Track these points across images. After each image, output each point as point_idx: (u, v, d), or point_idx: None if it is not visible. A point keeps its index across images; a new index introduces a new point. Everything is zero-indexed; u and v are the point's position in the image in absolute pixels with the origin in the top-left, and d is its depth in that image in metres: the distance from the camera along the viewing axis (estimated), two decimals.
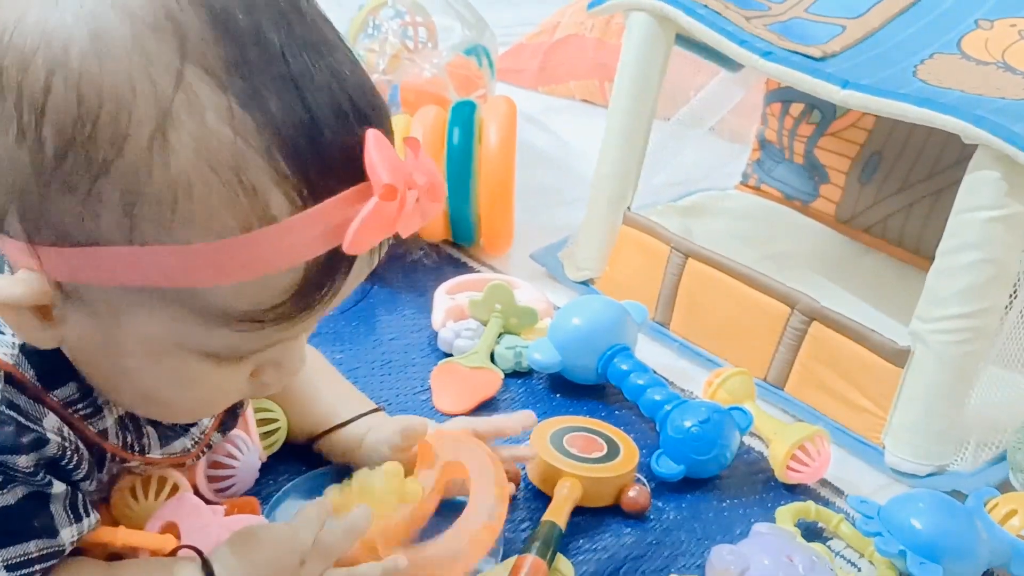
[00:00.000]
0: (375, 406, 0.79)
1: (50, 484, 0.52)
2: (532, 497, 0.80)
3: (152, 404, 0.56)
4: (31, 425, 0.50)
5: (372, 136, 0.45)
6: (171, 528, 0.63)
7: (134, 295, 0.46)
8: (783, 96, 1.32)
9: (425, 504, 0.70)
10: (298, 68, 0.44)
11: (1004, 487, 0.87)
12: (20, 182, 0.44)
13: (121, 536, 0.60)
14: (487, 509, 0.67)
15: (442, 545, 0.66)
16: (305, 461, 0.78)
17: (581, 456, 0.80)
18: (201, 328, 0.47)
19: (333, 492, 0.68)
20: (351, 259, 0.47)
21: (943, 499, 0.78)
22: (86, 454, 0.54)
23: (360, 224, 0.44)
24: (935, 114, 0.83)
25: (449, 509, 0.71)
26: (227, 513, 0.66)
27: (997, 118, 0.81)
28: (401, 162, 0.46)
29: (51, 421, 0.51)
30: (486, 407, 0.92)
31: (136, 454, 0.59)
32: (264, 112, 0.43)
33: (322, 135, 0.44)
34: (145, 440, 0.60)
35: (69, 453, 0.52)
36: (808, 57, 0.95)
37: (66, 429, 0.52)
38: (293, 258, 0.45)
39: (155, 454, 0.61)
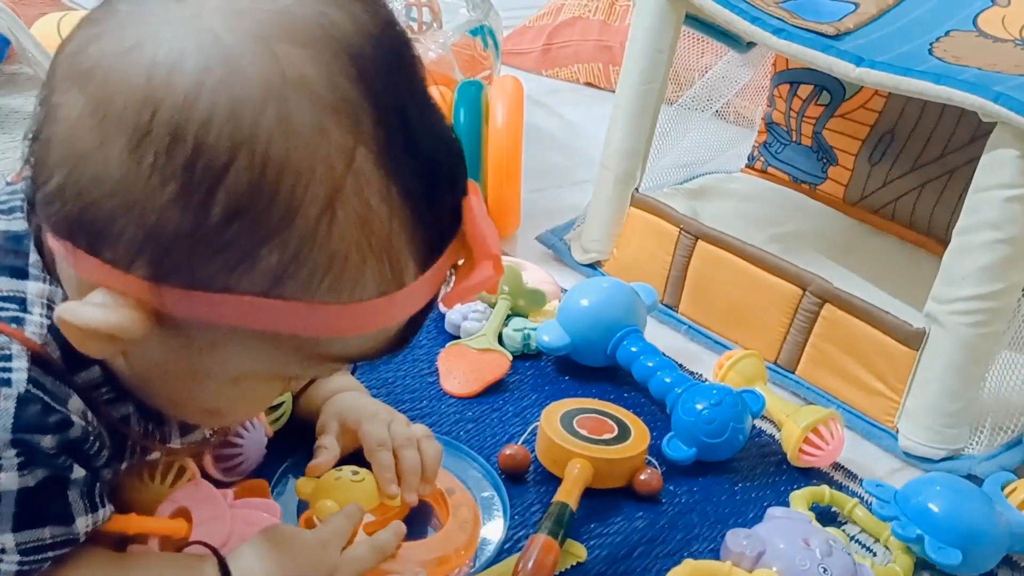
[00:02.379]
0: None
1: (71, 468, 0.50)
2: (542, 480, 0.79)
3: (210, 416, 0.57)
4: (57, 406, 0.48)
5: (475, 204, 0.48)
6: (183, 514, 0.62)
7: (245, 335, 0.46)
8: (791, 77, 1.31)
9: (399, 511, 0.69)
10: (426, 142, 0.46)
11: (1021, 471, 0.86)
12: (168, 235, 0.43)
13: (135, 523, 0.59)
14: (465, 531, 0.69)
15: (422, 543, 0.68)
16: (311, 439, 0.76)
17: (592, 438, 0.79)
18: (298, 365, 0.49)
19: (305, 484, 0.68)
20: (434, 302, 0.50)
21: (961, 483, 0.77)
22: (107, 440, 0.53)
23: (469, 288, 0.48)
24: (954, 91, 0.82)
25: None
26: (237, 496, 0.65)
27: (1017, 95, 0.79)
28: (496, 233, 0.49)
29: (76, 403, 0.50)
30: (494, 389, 0.91)
31: (157, 443, 0.58)
32: (406, 187, 0.45)
33: (443, 205, 0.47)
34: (166, 428, 0.59)
35: (92, 438, 0.51)
36: (821, 35, 0.93)
37: (89, 413, 0.51)
38: (408, 313, 0.48)
39: (175, 443, 0.60)
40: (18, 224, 0.51)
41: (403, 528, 0.63)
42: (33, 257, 0.50)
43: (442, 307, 1.00)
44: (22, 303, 0.49)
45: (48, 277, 0.50)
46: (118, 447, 0.56)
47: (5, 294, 0.49)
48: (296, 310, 0.44)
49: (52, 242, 0.46)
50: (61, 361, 0.50)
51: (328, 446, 0.71)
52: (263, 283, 0.44)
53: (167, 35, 0.42)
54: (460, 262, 0.49)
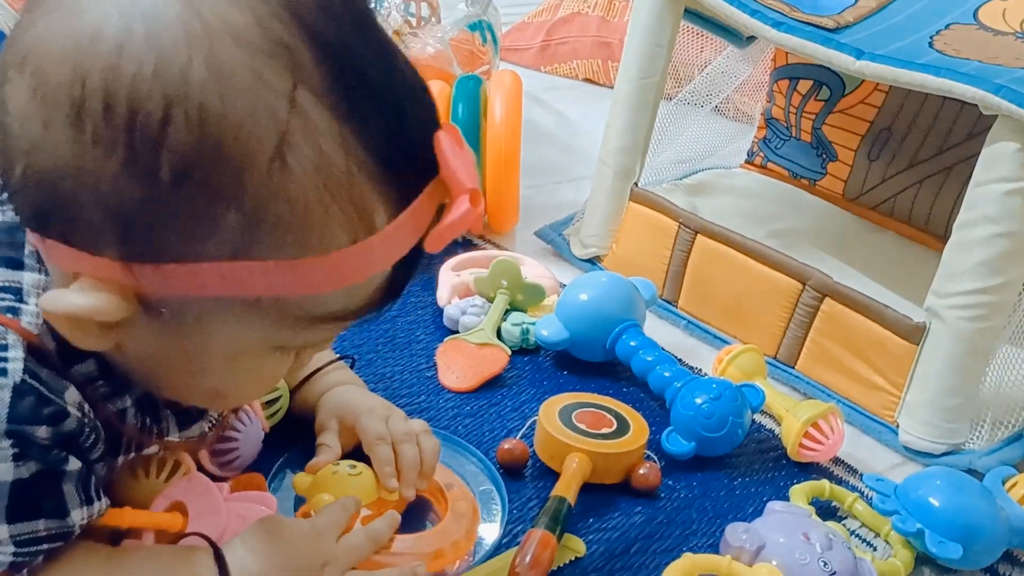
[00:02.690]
0: (337, 356, 0.79)
1: (65, 461, 0.50)
2: (540, 475, 0.79)
3: (217, 398, 0.56)
4: (52, 397, 0.48)
5: (445, 140, 0.46)
6: (179, 507, 0.61)
7: (228, 304, 0.46)
8: (791, 73, 1.30)
9: (396, 505, 0.69)
10: (381, 80, 0.45)
11: (1021, 466, 0.85)
12: (126, 207, 0.42)
13: (129, 517, 0.58)
14: (463, 525, 0.68)
15: (423, 538, 0.67)
16: (307, 434, 0.76)
17: (590, 432, 0.78)
18: (289, 330, 0.48)
19: (302, 479, 0.67)
20: (420, 251, 0.48)
21: (962, 477, 0.77)
22: (103, 434, 0.53)
23: (448, 226, 0.45)
24: (954, 84, 0.81)
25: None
26: (233, 489, 0.64)
27: (1018, 88, 0.79)
28: (473, 164, 0.47)
29: (72, 395, 0.49)
30: (492, 384, 0.90)
31: (154, 437, 0.58)
32: (365, 129, 0.44)
33: (411, 144, 0.46)
34: (164, 423, 0.58)
35: (88, 430, 0.51)
36: (821, 28, 0.93)
37: (86, 406, 0.51)
38: (389, 260, 0.47)
39: (173, 437, 0.60)
40: (11, 214, 0.50)
41: (397, 517, 0.63)
42: (28, 248, 0.50)
43: (439, 301, 1.00)
44: (18, 293, 0.49)
45: (42, 267, 0.50)
46: (114, 441, 0.55)
47: (1, 284, 0.49)
48: (269, 270, 0.43)
49: (29, 236, 0.46)
50: (56, 354, 0.49)
51: (330, 444, 0.71)
52: (229, 246, 0.43)
53: (88, 5, 0.41)
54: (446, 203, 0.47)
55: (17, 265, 0.49)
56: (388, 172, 0.45)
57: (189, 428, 0.61)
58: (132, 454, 0.58)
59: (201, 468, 0.67)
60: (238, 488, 0.66)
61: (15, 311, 0.48)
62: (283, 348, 0.51)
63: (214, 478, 0.65)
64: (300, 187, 0.42)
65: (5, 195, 0.51)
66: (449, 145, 0.46)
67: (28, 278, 0.49)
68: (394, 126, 0.45)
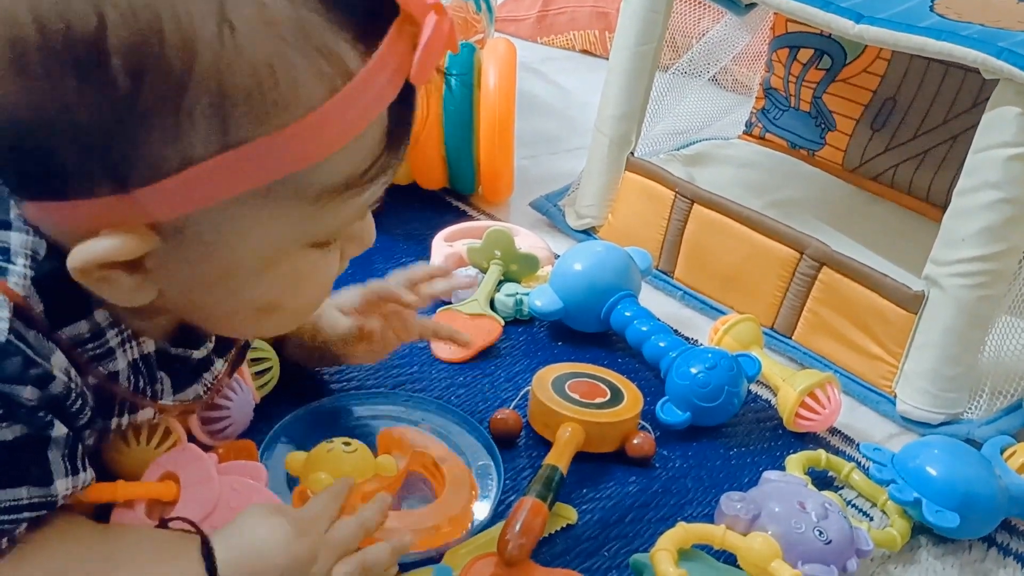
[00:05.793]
0: None
1: (51, 425, 0.49)
2: (533, 444, 0.78)
3: (269, 318, 0.54)
4: (38, 359, 0.47)
5: None
6: (171, 477, 0.60)
7: (241, 206, 0.45)
8: (791, 42, 1.28)
9: (393, 482, 0.67)
10: None
11: (1020, 435, 0.84)
12: (99, 132, 0.42)
13: (122, 491, 0.57)
14: (461, 501, 0.67)
15: (421, 514, 0.66)
16: (298, 403, 0.75)
17: (583, 401, 0.78)
18: (311, 213, 0.47)
19: (295, 458, 0.66)
20: (414, 95, 0.48)
21: (959, 446, 0.76)
22: (90, 399, 0.52)
23: (424, 47, 0.44)
24: (955, 47, 0.80)
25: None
26: (223, 458, 0.63)
27: (1020, 51, 0.77)
28: None
29: (59, 359, 0.48)
30: (486, 355, 0.89)
31: (148, 399, 0.57)
32: None
33: None
34: (158, 386, 0.57)
35: (75, 395, 0.50)
36: None
37: (73, 371, 0.50)
38: (378, 106, 0.46)
39: (167, 400, 0.59)
40: None
41: (389, 500, 0.61)
42: (15, 211, 0.49)
43: None
44: (5, 253, 0.48)
45: (32, 229, 0.49)
46: (106, 404, 0.54)
47: None
48: (266, 149, 0.43)
49: (29, 210, 0.47)
50: (44, 316, 0.48)
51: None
52: (214, 137, 0.42)
53: None
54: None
55: (4, 226, 0.48)
56: (341, 9, 0.44)
57: (184, 391, 0.60)
58: (125, 417, 0.57)
59: (192, 438, 0.66)
60: (228, 456, 0.65)
61: (2, 271, 0.47)
62: (318, 245, 0.51)
63: (204, 447, 0.64)
64: (257, 48, 0.42)
65: None
66: None
67: (16, 238, 0.48)
68: None
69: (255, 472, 0.63)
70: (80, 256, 0.45)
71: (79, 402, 0.50)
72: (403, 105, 0.47)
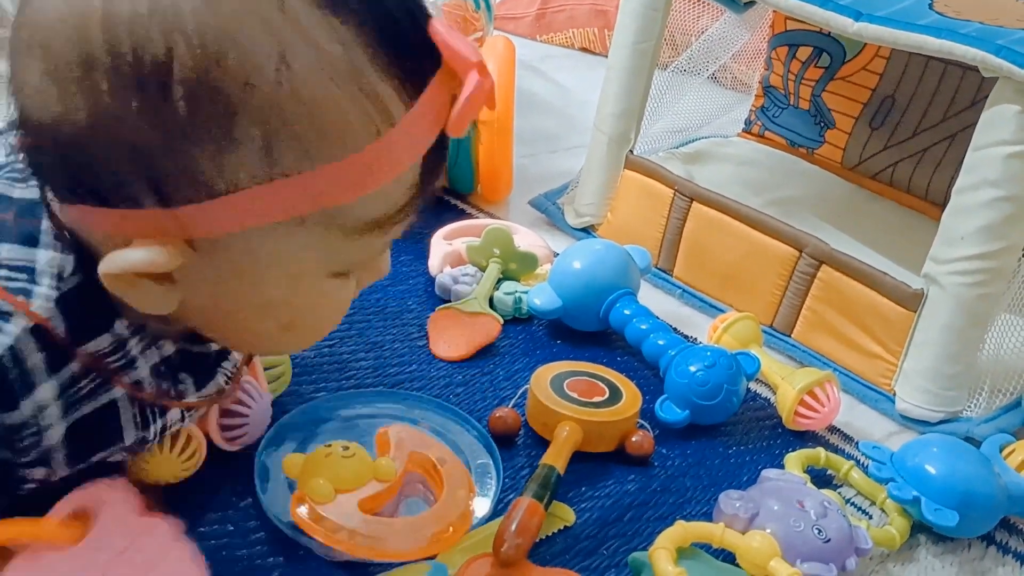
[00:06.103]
0: None
1: None
2: (532, 444, 0.78)
3: (286, 336, 0.55)
4: (12, 387, 0.48)
5: (440, 24, 0.47)
6: (83, 516, 0.52)
7: (275, 231, 0.47)
8: (790, 40, 1.28)
9: (392, 486, 0.67)
10: None
11: (1019, 433, 0.84)
12: (152, 150, 0.44)
13: (9, 530, 0.49)
14: (460, 504, 0.66)
15: (418, 519, 0.65)
16: (297, 401, 0.75)
17: (582, 400, 0.77)
18: (340, 246, 0.49)
19: (292, 461, 0.66)
20: (447, 143, 0.50)
21: (958, 444, 0.76)
22: (62, 446, 0.51)
23: (465, 103, 0.46)
24: (955, 45, 0.80)
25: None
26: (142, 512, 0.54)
27: (1019, 49, 0.77)
28: (471, 42, 0.48)
29: (44, 393, 0.49)
30: (484, 353, 0.89)
31: (173, 399, 0.58)
32: (354, 18, 0.45)
33: (403, 29, 0.46)
34: (182, 386, 0.59)
35: (28, 434, 0.49)
36: None
37: (53, 407, 0.50)
38: (417, 151, 0.48)
39: (192, 398, 0.60)
40: (33, 192, 0.51)
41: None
42: (45, 224, 0.50)
43: (431, 270, 0.98)
44: (31, 273, 0.49)
45: (59, 244, 0.50)
46: (140, 416, 0.56)
47: (15, 263, 0.49)
48: (307, 183, 0.45)
49: (69, 212, 0.48)
50: (67, 333, 0.49)
51: None
52: (260, 166, 0.44)
53: None
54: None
55: (32, 241, 0.50)
56: (388, 57, 0.46)
57: (207, 386, 0.61)
58: (158, 423, 0.58)
59: (211, 444, 0.66)
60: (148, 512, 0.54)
61: (27, 293, 0.48)
62: (339, 274, 0.52)
63: (223, 452, 0.65)
64: (310, 88, 0.44)
65: (25, 174, 0.52)
66: (445, 28, 0.47)
67: (43, 256, 0.49)
68: (382, 13, 0.46)
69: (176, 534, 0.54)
70: (115, 263, 0.46)
71: (29, 440, 0.50)
72: (436, 152, 0.49)
